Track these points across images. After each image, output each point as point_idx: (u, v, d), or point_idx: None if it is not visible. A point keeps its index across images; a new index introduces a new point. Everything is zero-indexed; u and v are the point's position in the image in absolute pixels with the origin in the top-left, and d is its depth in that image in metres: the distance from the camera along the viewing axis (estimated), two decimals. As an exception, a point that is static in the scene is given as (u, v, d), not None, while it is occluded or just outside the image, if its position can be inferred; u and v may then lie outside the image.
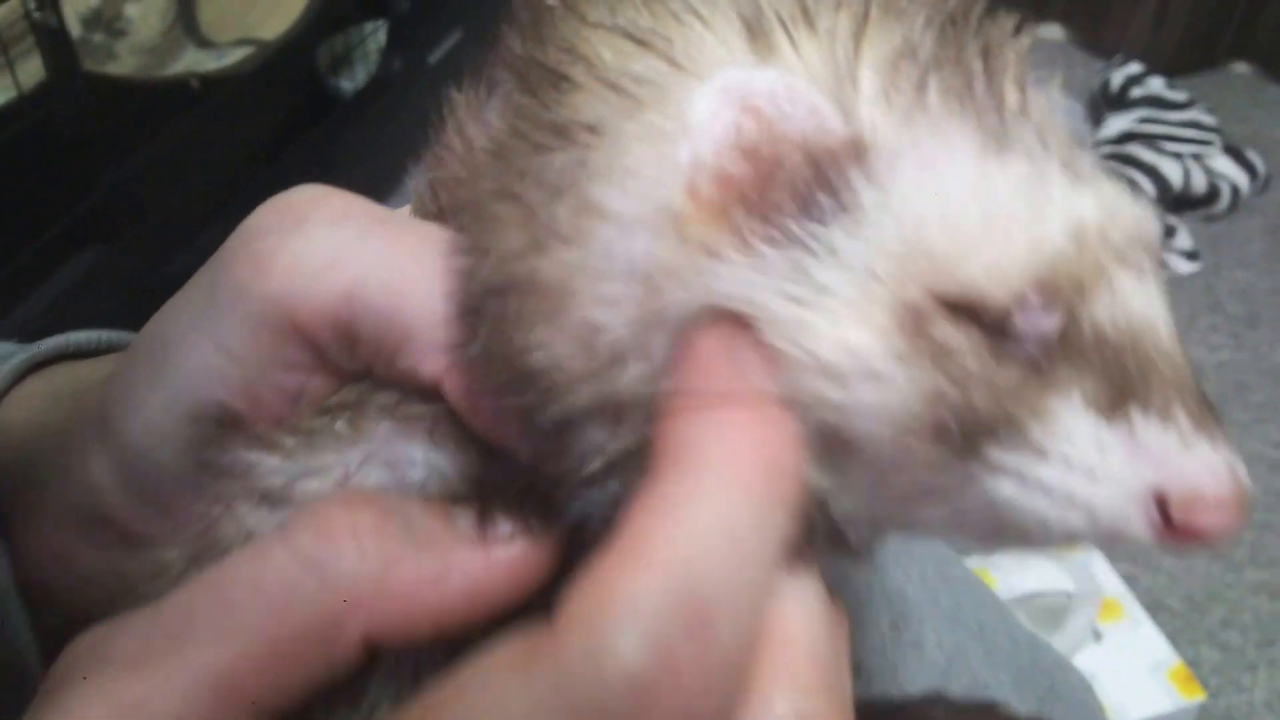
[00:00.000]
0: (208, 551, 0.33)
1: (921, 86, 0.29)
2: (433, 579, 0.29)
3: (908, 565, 0.64)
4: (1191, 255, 1.75)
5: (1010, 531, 0.30)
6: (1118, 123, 1.85)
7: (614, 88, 0.30)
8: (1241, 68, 2.11)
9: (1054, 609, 1.17)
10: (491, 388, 0.31)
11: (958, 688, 0.66)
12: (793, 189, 0.29)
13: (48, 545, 0.41)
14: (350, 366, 0.33)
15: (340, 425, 0.33)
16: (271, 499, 0.33)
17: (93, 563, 0.37)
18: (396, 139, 1.39)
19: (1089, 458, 0.30)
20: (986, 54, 0.31)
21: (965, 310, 0.28)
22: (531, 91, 0.31)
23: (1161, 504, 0.29)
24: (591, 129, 0.29)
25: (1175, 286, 1.65)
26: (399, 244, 0.32)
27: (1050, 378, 0.30)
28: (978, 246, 0.28)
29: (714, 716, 0.25)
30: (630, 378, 0.29)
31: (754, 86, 0.28)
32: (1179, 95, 1.90)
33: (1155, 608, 1.32)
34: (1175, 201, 1.79)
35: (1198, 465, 0.30)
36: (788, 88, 0.28)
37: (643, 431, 0.28)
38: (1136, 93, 1.90)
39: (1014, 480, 0.29)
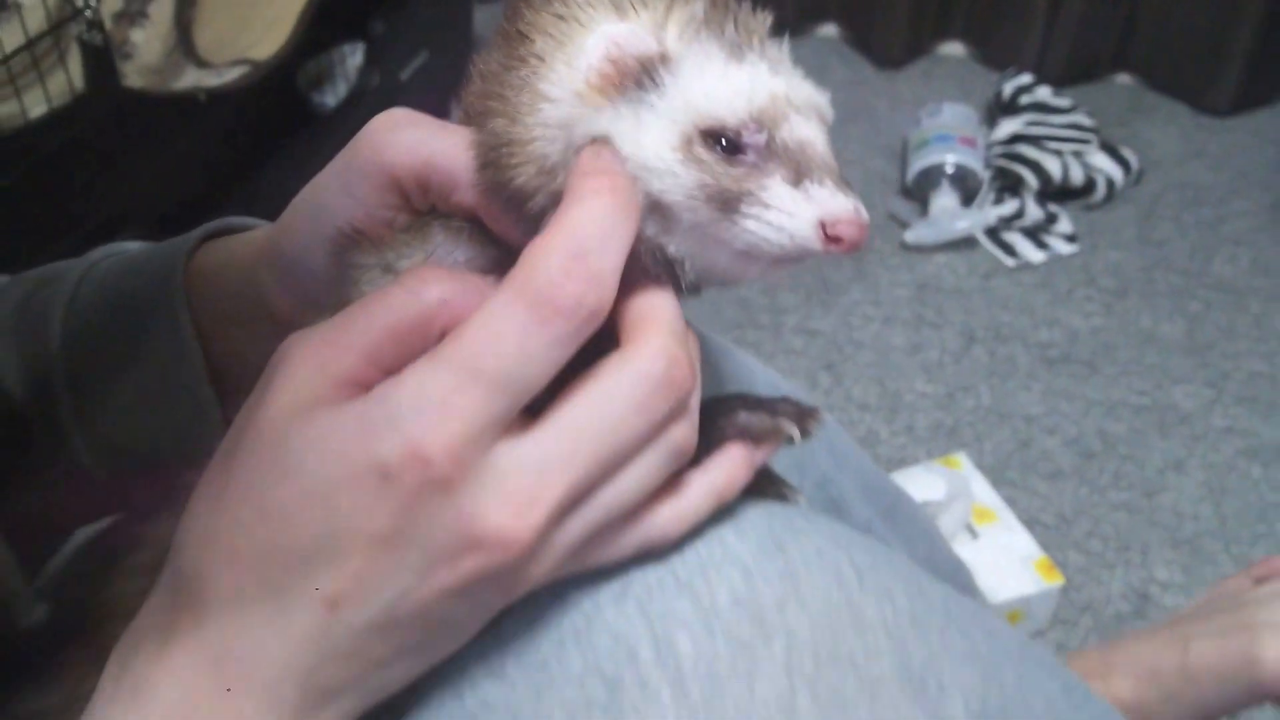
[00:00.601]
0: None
1: (699, 31, 0.53)
2: (477, 300, 0.49)
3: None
4: (1071, 238, 1.99)
5: (756, 251, 0.52)
6: (1008, 126, 2.10)
7: (549, 37, 0.54)
8: (1124, 78, 2.36)
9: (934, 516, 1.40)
10: (498, 203, 0.54)
11: (808, 483, 0.87)
12: (634, 77, 0.52)
13: (230, 347, 0.65)
14: (421, 205, 0.56)
15: (416, 236, 0.56)
16: (383, 271, 0.56)
17: (260, 355, 0.53)
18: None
19: (787, 206, 0.51)
20: (735, 20, 0.54)
21: (716, 135, 0.52)
22: (510, 43, 0.55)
23: (824, 227, 0.51)
24: (539, 57, 0.53)
25: (1057, 264, 1.92)
26: (451, 134, 0.56)
27: (764, 169, 0.52)
28: (722, 102, 0.52)
29: (593, 308, 0.47)
30: (560, 180, 0.53)
31: (616, 30, 0.53)
32: (1063, 102, 2.15)
33: (1031, 523, 1.52)
34: (1058, 193, 2.03)
35: (840, 204, 0.51)
36: (631, 30, 0.52)
37: None
38: (1025, 100, 2.15)
39: (754, 221, 0.51)
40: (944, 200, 1.97)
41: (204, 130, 1.71)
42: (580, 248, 0.47)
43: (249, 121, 1.80)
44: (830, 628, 0.57)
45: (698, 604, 0.56)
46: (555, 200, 0.52)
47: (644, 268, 0.53)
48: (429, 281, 0.50)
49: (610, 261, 0.48)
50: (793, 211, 0.51)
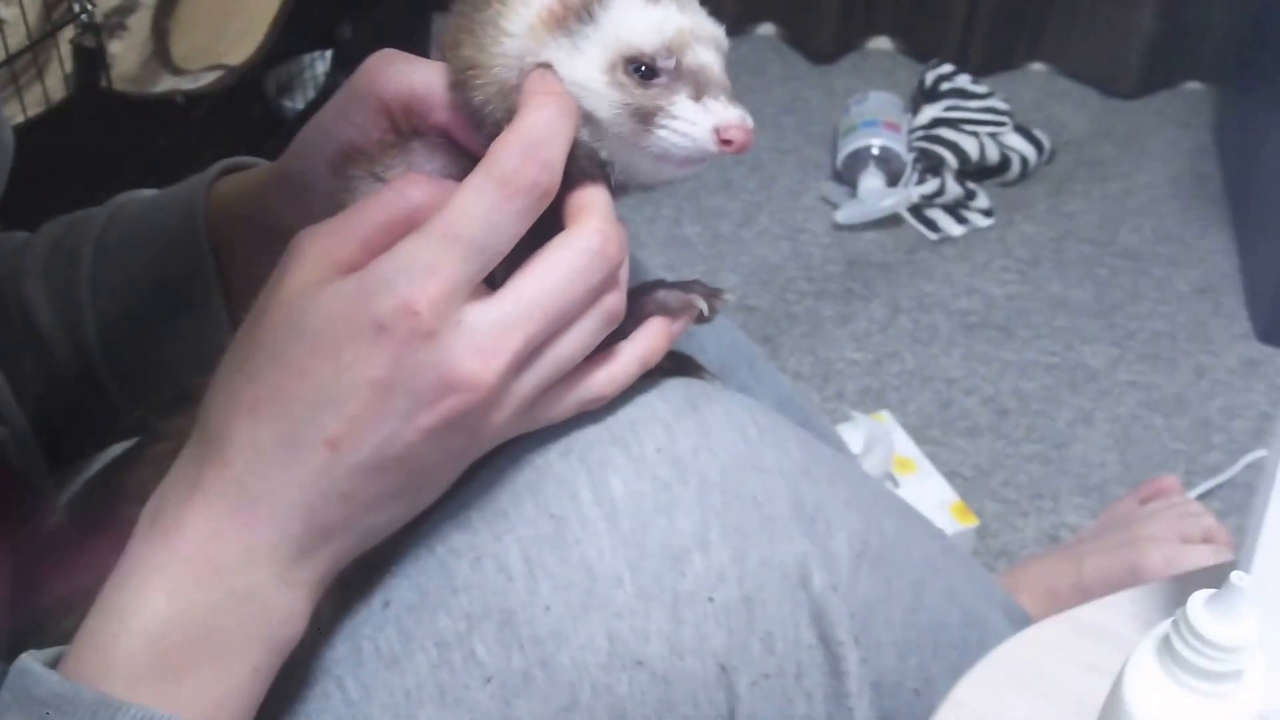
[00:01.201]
0: None
1: None
2: (445, 192, 0.60)
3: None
4: (988, 213, 2.15)
5: (668, 155, 0.63)
6: (929, 111, 2.26)
7: None
8: (1038, 66, 2.53)
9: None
10: (464, 118, 0.66)
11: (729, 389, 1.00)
12: (576, 13, 0.65)
13: (243, 262, 0.79)
14: (405, 127, 0.69)
15: (400, 151, 0.68)
16: (374, 180, 0.68)
17: (266, 269, 0.63)
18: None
19: (690, 116, 0.64)
20: None
21: (635, 62, 0.64)
22: None
23: (718, 132, 0.63)
24: (498, 6, 0.67)
25: (975, 237, 2.08)
26: (430, 67, 0.68)
27: (673, 88, 0.64)
28: (640, 34, 0.64)
29: (545, 187, 0.58)
30: (514, 99, 0.64)
31: None
32: (980, 88, 2.31)
33: (951, 475, 1.66)
34: (975, 171, 2.19)
35: (732, 113, 0.64)
36: None
37: None
38: (945, 87, 2.31)
39: (665, 131, 0.63)
40: (871, 181, 2.12)
41: (180, 132, 1.81)
42: (534, 140, 0.59)
43: (221, 125, 1.90)
44: (736, 471, 0.70)
45: (628, 454, 0.69)
46: (510, 114, 0.63)
47: (582, 169, 0.65)
48: (413, 184, 0.61)
49: (557, 151, 0.60)
50: (694, 120, 0.64)
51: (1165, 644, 0.58)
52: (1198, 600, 0.57)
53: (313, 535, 0.60)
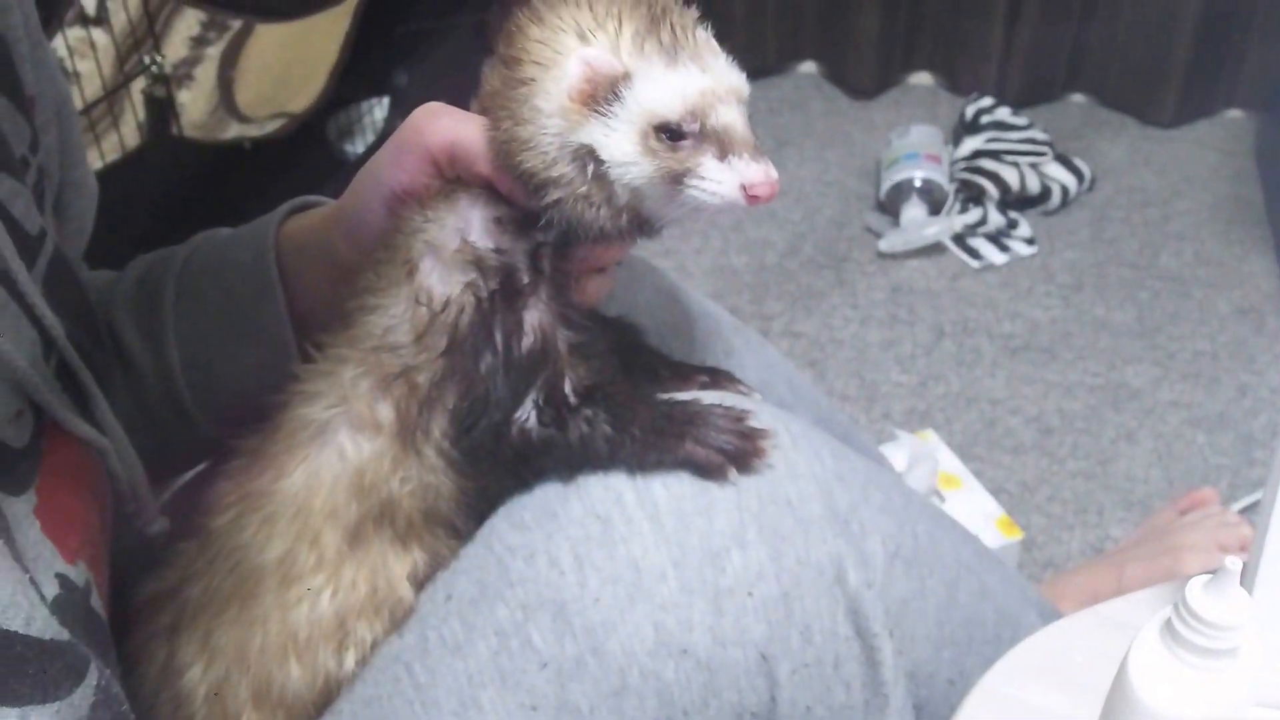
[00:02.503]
0: (401, 247, 0.75)
1: (642, 44, 0.69)
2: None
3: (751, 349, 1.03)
4: (1030, 241, 2.19)
5: (701, 209, 0.70)
6: (970, 143, 2.31)
7: (536, 63, 0.72)
8: (1077, 98, 2.57)
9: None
10: (509, 177, 0.73)
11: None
12: (604, 92, 0.70)
13: (307, 292, 0.85)
14: (450, 175, 0.75)
15: (445, 198, 0.75)
16: (423, 220, 0.75)
17: (328, 298, 0.75)
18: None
19: (717, 176, 0.69)
20: (670, 23, 0.71)
21: (663, 129, 0.69)
22: (508, 66, 0.74)
23: (745, 188, 0.69)
24: (532, 79, 0.72)
25: (1018, 265, 2.13)
26: (472, 122, 0.74)
27: (700, 149, 0.69)
28: (665, 104, 0.69)
29: None
30: (557, 167, 0.71)
31: (588, 55, 0.70)
32: (1020, 120, 2.36)
33: (996, 491, 1.69)
34: (1017, 201, 2.24)
35: (755, 171, 0.69)
36: (598, 55, 0.70)
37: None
38: (986, 120, 2.36)
39: (695, 190, 0.69)
40: (913, 211, 2.17)
41: (247, 176, 1.89)
42: None
43: (285, 169, 1.97)
44: (770, 476, 0.75)
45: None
46: (552, 179, 0.70)
47: (620, 229, 0.72)
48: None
49: None
50: (721, 180, 0.70)
51: (1167, 626, 0.62)
52: (1196, 584, 0.61)
53: None
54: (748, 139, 0.70)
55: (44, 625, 0.58)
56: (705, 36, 0.72)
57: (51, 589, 0.63)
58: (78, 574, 0.67)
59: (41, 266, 0.75)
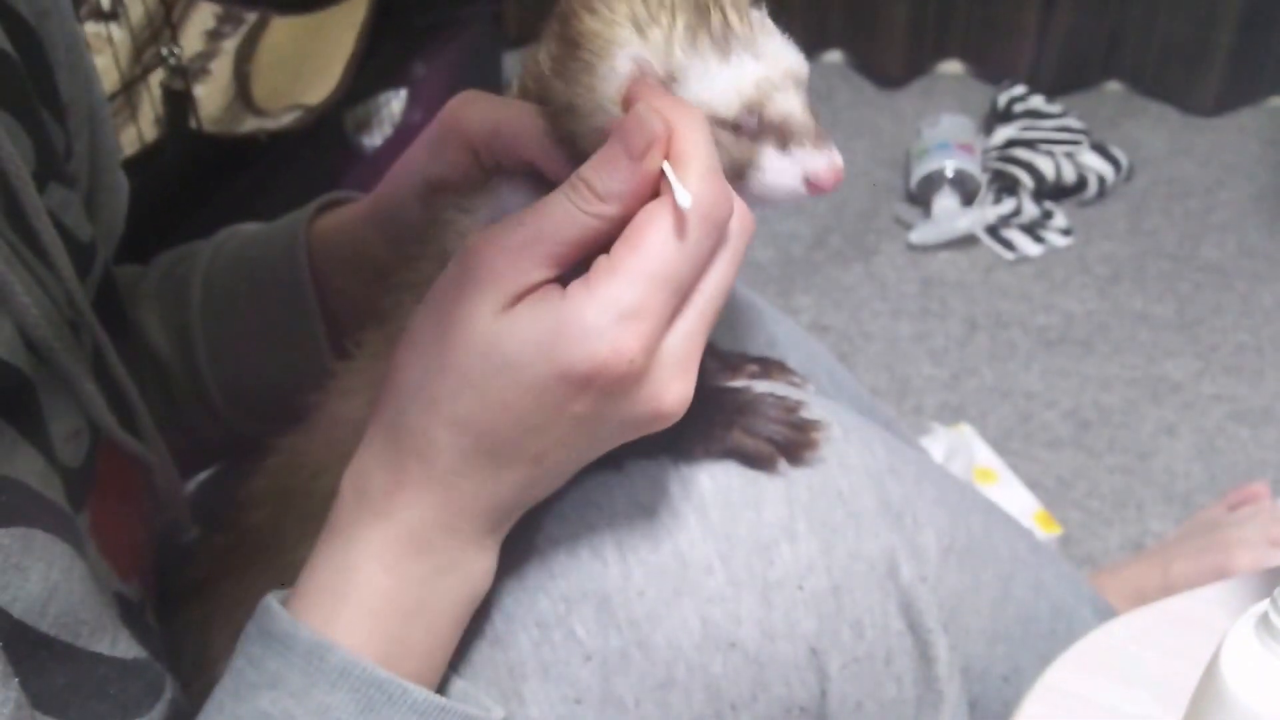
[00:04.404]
0: (437, 241, 0.71)
1: (695, 37, 0.63)
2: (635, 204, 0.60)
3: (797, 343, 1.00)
4: (1066, 232, 2.13)
5: (764, 199, 0.64)
6: (1004, 132, 2.25)
7: (591, 50, 0.67)
8: (1114, 85, 2.51)
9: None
10: (560, 154, 0.66)
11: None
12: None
13: (339, 291, 0.82)
14: (489, 163, 0.71)
15: (482, 189, 0.70)
16: (459, 211, 0.70)
17: (361, 296, 0.71)
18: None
19: (779, 167, 0.64)
20: (723, 10, 0.65)
21: (721, 123, 0.63)
22: (564, 44, 0.67)
23: (808, 178, 0.65)
24: (588, 61, 0.66)
25: (1053, 256, 2.07)
26: (512, 106, 0.69)
27: (760, 141, 0.64)
28: (721, 99, 0.63)
29: (729, 213, 0.59)
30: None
31: (639, 56, 0.64)
32: (1054, 108, 2.30)
33: (1033, 486, 1.65)
34: (1052, 190, 2.18)
35: (819, 161, 0.64)
36: (647, 59, 0.64)
37: None
38: (1019, 108, 2.30)
39: (757, 182, 0.64)
40: (945, 202, 2.12)
41: (264, 169, 1.87)
42: (708, 166, 0.59)
43: (303, 162, 1.96)
44: (820, 468, 0.72)
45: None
46: (601, 139, 0.63)
47: None
48: (593, 200, 0.59)
49: (718, 166, 0.61)
50: (783, 170, 0.65)
51: (1264, 621, 0.58)
52: None
53: (502, 522, 0.64)
54: (808, 126, 0.65)
55: (127, 646, 0.60)
56: (759, 17, 0.67)
57: (114, 609, 0.63)
58: (133, 591, 0.67)
59: (96, 275, 0.74)
